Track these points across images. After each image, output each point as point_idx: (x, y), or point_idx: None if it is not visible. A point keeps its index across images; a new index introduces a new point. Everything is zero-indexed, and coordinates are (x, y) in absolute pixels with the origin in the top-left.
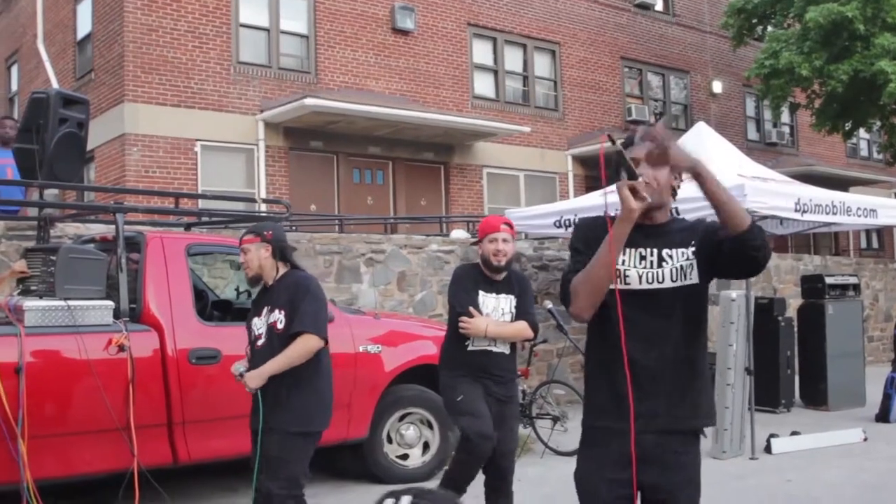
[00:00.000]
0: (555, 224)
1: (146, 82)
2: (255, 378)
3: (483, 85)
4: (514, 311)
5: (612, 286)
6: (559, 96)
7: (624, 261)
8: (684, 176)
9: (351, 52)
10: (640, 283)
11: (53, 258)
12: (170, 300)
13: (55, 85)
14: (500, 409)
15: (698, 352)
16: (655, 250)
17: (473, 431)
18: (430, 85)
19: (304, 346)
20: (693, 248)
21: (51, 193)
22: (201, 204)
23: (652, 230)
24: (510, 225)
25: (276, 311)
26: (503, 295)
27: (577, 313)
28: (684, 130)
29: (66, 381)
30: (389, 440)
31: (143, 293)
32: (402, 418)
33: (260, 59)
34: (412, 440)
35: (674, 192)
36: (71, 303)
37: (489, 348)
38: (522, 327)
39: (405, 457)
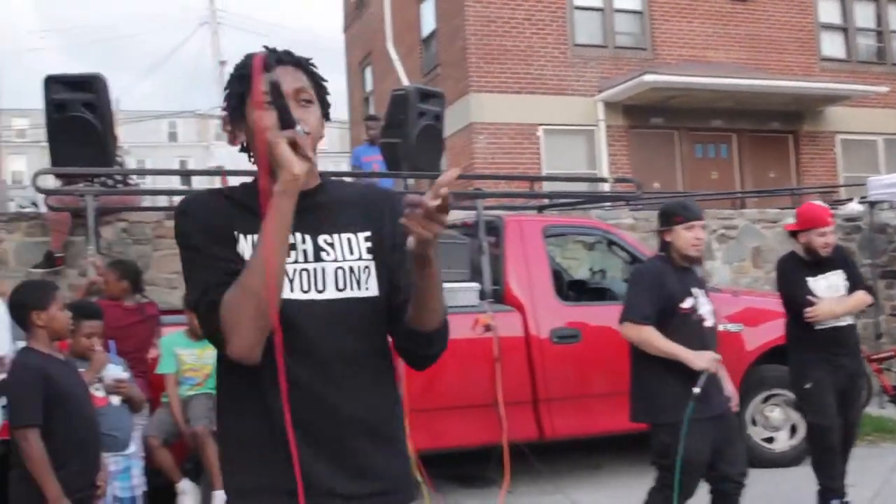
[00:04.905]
0: None
1: (488, 72)
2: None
3: (831, 45)
4: (846, 283)
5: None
6: None
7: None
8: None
9: (687, 24)
10: (293, 289)
11: None
12: (530, 281)
13: (405, 83)
14: (849, 383)
15: (384, 401)
16: (308, 237)
17: (817, 425)
18: (772, 51)
19: None
20: (368, 240)
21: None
22: (546, 186)
23: (302, 203)
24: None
25: None
26: (830, 272)
27: (240, 354)
28: None
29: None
30: (754, 422)
31: (505, 275)
32: (765, 400)
33: (595, 39)
34: (778, 423)
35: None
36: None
37: (837, 324)
38: (862, 297)
39: (770, 440)
